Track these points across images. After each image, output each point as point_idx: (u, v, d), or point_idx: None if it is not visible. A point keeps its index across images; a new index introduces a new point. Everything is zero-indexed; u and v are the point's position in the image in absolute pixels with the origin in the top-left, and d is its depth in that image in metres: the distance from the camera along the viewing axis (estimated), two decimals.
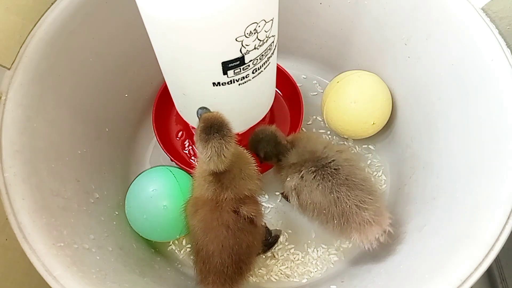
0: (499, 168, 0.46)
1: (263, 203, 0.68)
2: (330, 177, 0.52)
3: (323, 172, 0.52)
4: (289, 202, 0.67)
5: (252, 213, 0.49)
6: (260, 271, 0.64)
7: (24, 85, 0.50)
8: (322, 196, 0.52)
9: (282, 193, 0.69)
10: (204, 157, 0.45)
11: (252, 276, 0.63)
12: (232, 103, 0.53)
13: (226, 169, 0.47)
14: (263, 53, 0.47)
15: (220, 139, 0.44)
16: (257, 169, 0.51)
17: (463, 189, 0.50)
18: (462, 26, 0.53)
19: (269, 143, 0.57)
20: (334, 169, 0.52)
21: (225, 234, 0.48)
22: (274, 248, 0.65)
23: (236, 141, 0.46)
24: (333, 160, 0.53)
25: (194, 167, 0.53)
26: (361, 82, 0.67)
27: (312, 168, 0.53)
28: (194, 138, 0.46)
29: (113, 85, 0.65)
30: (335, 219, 0.52)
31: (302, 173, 0.53)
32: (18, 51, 0.51)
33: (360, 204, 0.51)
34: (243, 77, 0.48)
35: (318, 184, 0.52)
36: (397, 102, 0.68)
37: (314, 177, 0.52)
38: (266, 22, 0.43)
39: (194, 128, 0.62)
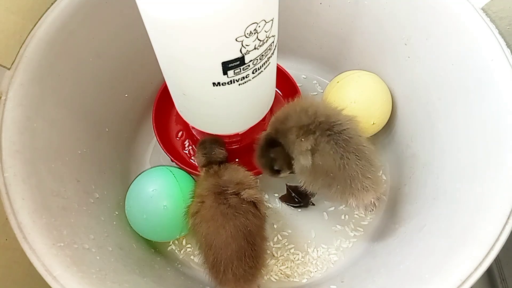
0: (499, 168, 0.46)
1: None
2: (343, 144, 0.53)
3: (338, 138, 0.53)
4: (287, 203, 0.68)
5: (254, 197, 0.52)
6: None
7: (24, 85, 0.50)
8: (332, 160, 0.53)
9: (280, 198, 0.69)
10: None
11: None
12: (232, 103, 0.53)
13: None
14: (263, 53, 0.47)
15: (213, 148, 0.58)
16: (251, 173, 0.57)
17: (463, 189, 0.50)
18: (462, 26, 0.53)
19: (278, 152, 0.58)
20: (348, 137, 0.53)
21: (236, 214, 0.50)
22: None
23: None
24: (347, 128, 0.54)
25: (195, 168, 0.55)
26: (361, 82, 0.67)
27: (327, 132, 0.53)
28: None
29: (113, 85, 0.65)
30: (338, 185, 0.53)
31: (316, 135, 0.53)
32: (18, 51, 0.51)
33: (365, 173, 0.53)
34: (243, 77, 0.48)
35: (331, 148, 0.53)
36: (397, 102, 0.68)
37: (328, 141, 0.53)
38: (266, 22, 0.43)
39: (194, 128, 0.62)
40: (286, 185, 0.69)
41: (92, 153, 0.60)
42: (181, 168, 0.65)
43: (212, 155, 0.57)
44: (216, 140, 0.59)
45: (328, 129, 0.53)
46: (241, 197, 0.52)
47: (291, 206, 0.68)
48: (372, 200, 0.54)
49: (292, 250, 0.65)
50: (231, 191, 0.52)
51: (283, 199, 0.69)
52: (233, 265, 0.49)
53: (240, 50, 0.43)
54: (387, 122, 0.69)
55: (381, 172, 0.71)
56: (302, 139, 0.54)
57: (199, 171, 0.59)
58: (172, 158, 0.68)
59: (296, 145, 0.55)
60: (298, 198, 0.67)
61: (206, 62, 0.45)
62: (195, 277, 0.63)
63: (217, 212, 0.50)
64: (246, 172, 0.56)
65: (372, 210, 0.55)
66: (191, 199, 0.55)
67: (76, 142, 0.58)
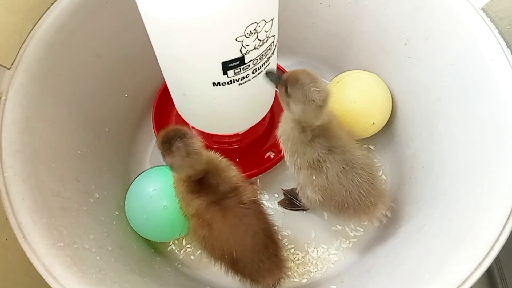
0: (499, 168, 0.46)
1: (264, 202, 0.68)
2: (358, 177, 0.53)
3: (353, 173, 0.53)
4: (288, 208, 0.68)
5: (253, 196, 0.52)
6: None
7: (24, 85, 0.50)
8: (346, 192, 0.53)
9: (280, 203, 0.68)
10: (178, 166, 0.46)
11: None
12: (232, 103, 0.53)
13: (203, 174, 0.49)
14: (263, 53, 0.47)
15: (180, 141, 0.45)
16: (228, 160, 0.53)
17: (463, 189, 0.50)
18: (462, 26, 0.53)
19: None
20: (361, 169, 0.53)
21: (248, 220, 0.50)
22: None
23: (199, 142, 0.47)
24: (358, 159, 0.54)
25: None
26: (361, 82, 0.67)
27: (342, 166, 0.53)
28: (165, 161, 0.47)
29: (113, 85, 0.65)
30: (351, 209, 0.54)
31: (331, 172, 0.53)
32: (18, 51, 0.51)
33: (372, 190, 0.54)
34: (243, 77, 0.48)
35: (346, 183, 0.53)
36: (397, 102, 0.68)
37: (343, 176, 0.53)
38: (266, 22, 0.43)
39: (194, 128, 0.62)
40: (282, 189, 0.69)
41: (92, 153, 0.60)
42: None
43: (191, 151, 0.45)
44: (178, 129, 0.46)
45: (344, 163, 0.53)
46: (244, 202, 0.51)
47: (292, 210, 0.68)
48: (384, 212, 0.55)
49: (292, 250, 0.65)
50: (234, 202, 0.50)
51: (283, 204, 0.68)
52: (263, 261, 0.50)
53: (240, 50, 0.43)
54: (387, 122, 0.69)
55: (380, 172, 0.71)
56: (314, 176, 0.54)
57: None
58: None
59: (304, 176, 0.55)
60: (297, 200, 0.67)
61: (206, 62, 0.45)
62: (195, 277, 0.63)
63: (231, 228, 0.50)
64: (228, 162, 0.52)
65: (386, 221, 0.56)
66: (191, 219, 0.52)
67: (76, 142, 0.58)
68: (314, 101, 0.48)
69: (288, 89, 0.48)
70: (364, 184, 0.53)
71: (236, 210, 0.50)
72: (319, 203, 0.56)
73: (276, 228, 0.54)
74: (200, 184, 0.49)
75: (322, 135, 0.53)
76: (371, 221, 0.56)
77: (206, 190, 0.49)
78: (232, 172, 0.52)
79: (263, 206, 0.54)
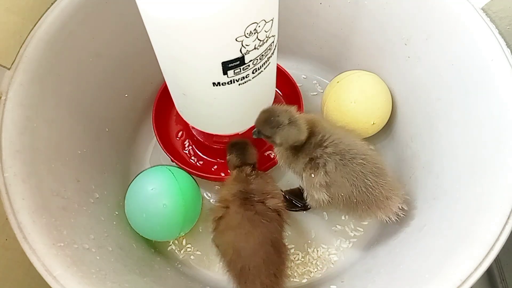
0: (499, 168, 0.46)
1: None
2: (359, 167, 0.52)
3: (353, 163, 0.52)
4: (288, 210, 0.67)
5: (278, 206, 0.53)
6: None
7: (24, 85, 0.50)
8: (352, 186, 0.52)
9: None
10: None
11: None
12: (232, 103, 0.53)
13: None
14: (263, 53, 0.47)
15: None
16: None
17: (463, 189, 0.50)
18: (462, 26, 0.53)
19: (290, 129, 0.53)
20: (361, 158, 0.53)
21: (262, 221, 0.50)
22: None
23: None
24: (357, 150, 0.53)
25: (195, 168, 0.55)
26: (361, 82, 0.67)
27: (338, 158, 0.52)
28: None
29: (113, 85, 0.65)
30: (363, 205, 0.53)
31: (328, 166, 0.52)
32: (18, 51, 0.51)
33: (384, 186, 0.53)
34: (243, 77, 0.48)
35: (349, 178, 0.52)
36: (397, 102, 0.68)
37: (344, 168, 0.52)
38: (266, 22, 0.43)
39: (194, 128, 0.62)
40: (282, 190, 0.68)
41: (92, 153, 0.60)
42: (181, 168, 0.65)
43: (246, 156, 0.57)
44: (248, 142, 0.59)
45: (341, 157, 0.52)
46: (266, 205, 0.52)
47: (293, 211, 0.67)
48: (399, 205, 0.54)
49: (292, 250, 0.65)
50: (257, 199, 0.52)
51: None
52: (261, 273, 0.49)
53: (240, 50, 0.43)
54: (387, 122, 0.69)
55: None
56: (312, 175, 0.53)
57: (228, 173, 0.59)
58: (172, 158, 0.67)
59: (305, 179, 0.54)
60: (297, 201, 0.66)
61: (206, 62, 0.45)
62: (195, 277, 0.63)
63: (243, 219, 0.50)
64: (274, 185, 0.57)
65: (404, 215, 0.55)
66: (215, 202, 0.56)
67: (76, 142, 0.58)
68: (290, 120, 0.51)
69: (276, 134, 0.52)
70: (368, 175, 0.52)
71: (255, 204, 0.51)
72: (328, 204, 0.55)
73: (287, 248, 0.54)
74: (244, 175, 0.55)
75: (308, 136, 0.53)
76: (389, 217, 0.55)
77: (243, 180, 0.55)
78: (269, 184, 0.56)
79: (284, 221, 0.54)
